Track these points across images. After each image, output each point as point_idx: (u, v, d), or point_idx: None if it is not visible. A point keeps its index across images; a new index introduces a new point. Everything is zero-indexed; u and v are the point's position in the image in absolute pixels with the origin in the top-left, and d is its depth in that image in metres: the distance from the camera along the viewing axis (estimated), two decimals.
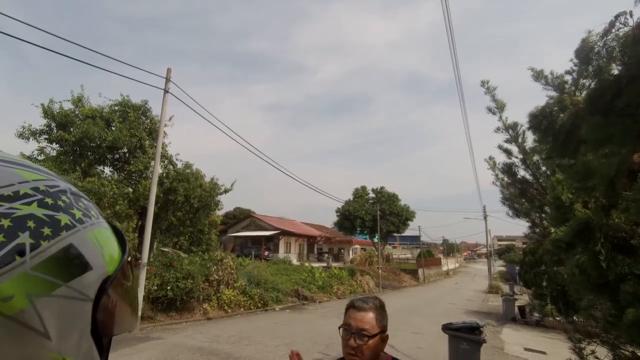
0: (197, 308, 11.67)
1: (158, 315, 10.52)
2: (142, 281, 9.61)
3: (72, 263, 0.43)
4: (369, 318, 1.30)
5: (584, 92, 3.16)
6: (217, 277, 12.73)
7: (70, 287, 0.42)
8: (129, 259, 0.57)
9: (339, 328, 1.34)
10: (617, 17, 2.01)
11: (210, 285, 12.42)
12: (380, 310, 1.35)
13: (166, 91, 10.75)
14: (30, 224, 0.41)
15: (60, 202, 0.46)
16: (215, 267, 12.90)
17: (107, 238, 0.51)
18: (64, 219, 0.45)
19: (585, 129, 2.16)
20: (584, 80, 3.68)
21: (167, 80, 10.75)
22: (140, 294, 9.50)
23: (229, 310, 12.43)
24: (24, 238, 0.39)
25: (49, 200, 0.45)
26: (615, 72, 2.17)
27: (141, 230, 11.31)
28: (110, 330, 0.49)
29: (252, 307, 13.27)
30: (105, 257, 0.48)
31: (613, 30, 2.07)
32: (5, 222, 0.39)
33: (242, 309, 12.92)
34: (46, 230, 0.42)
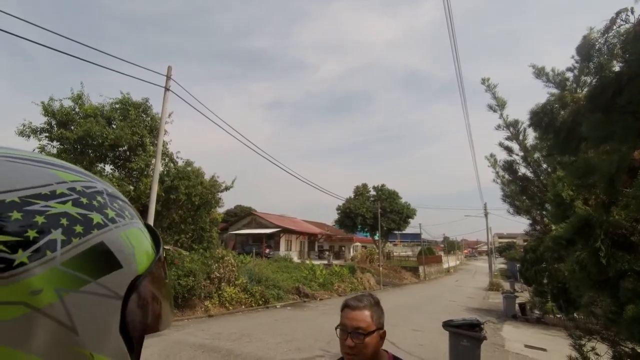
0: (198, 305, 11.73)
1: None
2: None
3: (102, 260, 0.44)
4: (364, 316, 1.28)
5: (585, 90, 3.16)
6: (218, 275, 12.77)
7: (99, 284, 0.43)
8: (164, 259, 0.57)
9: (336, 329, 1.33)
10: (618, 14, 2.00)
11: (211, 283, 12.47)
12: (376, 307, 1.34)
13: (167, 89, 10.75)
14: (64, 221, 0.42)
15: (95, 202, 0.48)
16: (216, 265, 12.94)
17: (139, 238, 0.52)
18: (96, 217, 0.46)
19: (586, 126, 2.16)
20: (585, 78, 3.67)
21: (168, 78, 10.75)
22: None
23: (230, 308, 12.48)
24: (57, 234, 0.41)
25: (84, 200, 0.46)
26: (617, 69, 2.17)
27: None
28: (140, 329, 0.50)
29: (253, 305, 13.32)
30: (136, 256, 0.49)
31: (614, 27, 2.06)
32: (40, 219, 0.41)
33: (243, 307, 12.98)
34: (78, 228, 0.43)
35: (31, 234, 0.39)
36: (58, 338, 0.39)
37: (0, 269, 0.36)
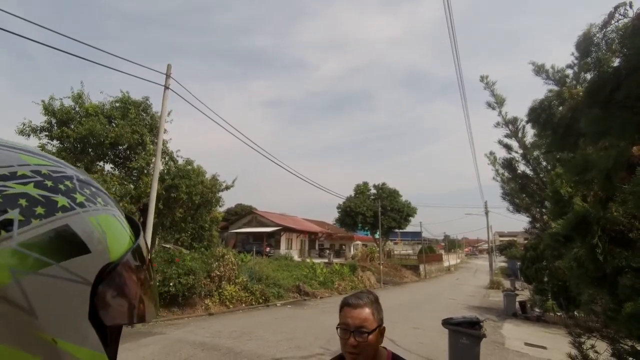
0: (199, 304, 11.75)
1: (160, 310, 10.59)
2: None
3: (66, 244, 0.42)
4: (365, 314, 1.28)
5: (584, 86, 3.13)
6: (218, 273, 12.79)
7: (63, 267, 0.41)
8: (147, 251, 0.56)
9: (337, 328, 1.32)
10: (616, 8, 1.98)
11: (212, 281, 12.48)
12: (376, 304, 1.33)
13: (166, 87, 10.74)
14: (22, 202, 0.41)
15: (61, 186, 0.46)
16: (216, 263, 12.95)
17: (112, 224, 0.50)
18: (61, 201, 0.45)
19: (584, 122, 2.15)
20: (585, 74, 3.65)
21: (168, 76, 10.73)
22: None
23: (231, 306, 12.50)
24: (13, 214, 0.39)
25: (49, 183, 0.45)
26: (615, 64, 2.15)
27: (143, 226, 11.31)
28: (115, 318, 0.47)
29: (253, 303, 13.34)
30: (108, 242, 0.48)
31: (612, 22, 2.04)
32: None
33: (243, 305, 12.99)
34: (39, 210, 0.42)
35: None
36: (14, 320, 0.37)
37: None
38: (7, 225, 0.39)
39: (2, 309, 0.37)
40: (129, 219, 0.56)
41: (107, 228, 0.49)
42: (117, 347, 0.53)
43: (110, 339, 0.48)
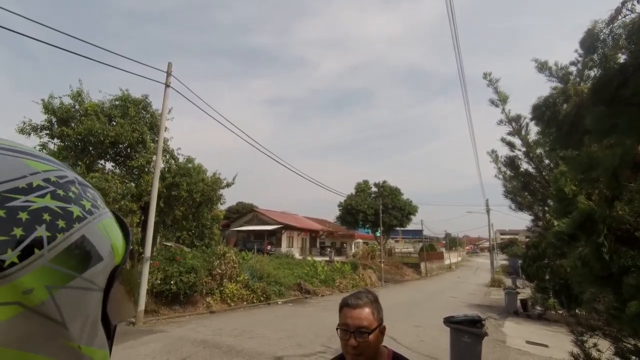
0: (200, 302, 11.77)
1: (162, 308, 10.62)
2: (145, 275, 9.67)
3: (85, 255, 0.44)
4: (365, 314, 1.27)
5: (589, 83, 3.10)
6: (220, 271, 12.81)
7: (84, 278, 0.43)
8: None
9: (337, 329, 1.31)
10: (623, 3, 1.95)
11: (213, 279, 12.50)
12: (375, 303, 1.33)
13: (167, 85, 10.71)
14: (46, 216, 0.42)
15: (70, 194, 0.47)
16: (218, 262, 12.97)
17: (113, 228, 0.52)
18: (75, 210, 0.46)
19: (589, 119, 2.12)
20: (589, 72, 3.61)
21: (168, 74, 10.70)
22: (144, 287, 9.58)
23: (232, 304, 12.53)
24: (42, 231, 0.40)
25: (61, 192, 0.46)
26: (621, 60, 2.11)
27: (144, 225, 11.36)
28: (118, 317, 0.51)
29: (254, 301, 13.36)
30: (112, 247, 0.50)
31: (619, 17, 2.01)
32: (23, 216, 0.40)
33: (245, 303, 13.02)
34: (61, 223, 0.43)
35: (17, 232, 0.38)
36: (50, 334, 0.40)
37: None
38: (38, 242, 0.40)
39: (42, 324, 0.39)
40: (117, 217, 0.57)
41: (111, 232, 0.51)
42: (112, 342, 0.56)
43: (111, 336, 0.52)
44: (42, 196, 0.43)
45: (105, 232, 0.49)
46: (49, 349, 0.40)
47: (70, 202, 0.46)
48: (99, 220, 0.49)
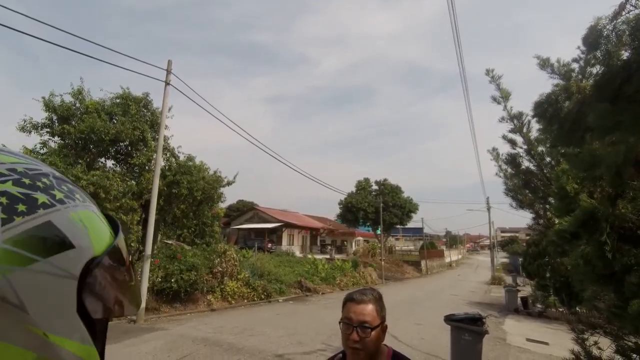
0: (201, 299, 11.79)
1: (162, 306, 10.64)
2: (146, 273, 9.69)
3: (50, 240, 0.43)
4: (369, 310, 1.28)
5: (591, 80, 3.07)
6: (220, 269, 12.82)
7: (50, 263, 0.42)
8: (126, 250, 0.57)
9: (340, 323, 1.33)
10: None
11: (214, 277, 12.52)
12: (379, 301, 1.34)
13: (167, 83, 10.68)
14: (3, 200, 0.42)
15: (39, 183, 0.47)
16: (218, 259, 12.98)
17: (93, 220, 0.51)
18: (41, 198, 0.45)
19: (592, 116, 2.10)
20: (591, 69, 3.58)
21: (168, 72, 10.67)
22: (145, 285, 9.59)
23: (233, 302, 12.55)
24: None
25: (26, 181, 0.45)
26: (625, 57, 2.09)
27: (145, 223, 11.37)
28: (101, 312, 0.49)
29: (255, 299, 13.39)
30: (90, 237, 0.49)
31: (623, 13, 1.98)
32: None
33: (245, 301, 13.04)
34: (21, 207, 0.42)
35: None
36: (6, 316, 0.38)
37: None
38: None
39: None
40: (108, 217, 0.57)
41: (89, 223, 0.50)
42: (104, 340, 0.55)
43: (98, 332, 0.50)
44: (2, 182, 0.43)
45: (80, 222, 0.48)
46: (7, 333, 0.38)
47: (36, 190, 0.45)
48: (73, 210, 0.48)
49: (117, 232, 0.56)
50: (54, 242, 0.43)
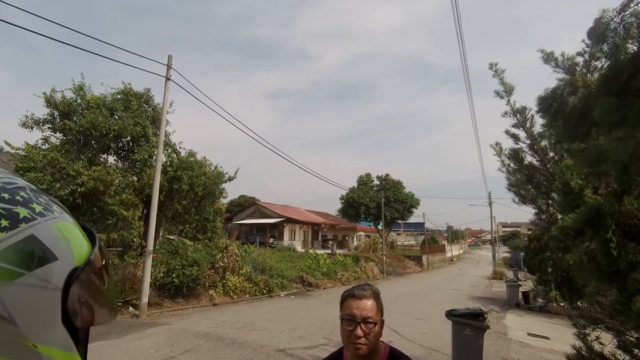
0: (203, 294, 11.86)
1: (165, 301, 10.71)
2: (148, 268, 9.74)
3: (34, 253, 0.44)
4: (371, 305, 1.31)
5: (597, 74, 3.02)
6: (222, 264, 12.88)
7: (34, 276, 0.43)
8: (104, 255, 0.58)
9: (341, 320, 1.33)
10: None
11: (215, 272, 12.58)
12: (378, 297, 1.37)
13: (168, 78, 10.64)
14: None
15: (18, 197, 0.47)
16: (220, 255, 13.03)
17: (72, 231, 0.52)
18: (22, 212, 0.46)
19: (598, 111, 2.06)
20: (596, 62, 3.52)
21: (169, 67, 10.63)
22: (147, 280, 9.65)
23: (235, 297, 12.62)
24: None
25: (6, 195, 0.46)
26: (633, 50, 2.05)
27: (147, 218, 11.40)
28: (84, 320, 0.50)
29: (257, 294, 13.46)
30: (72, 248, 0.50)
31: (632, 5, 1.94)
32: None
33: (247, 295, 13.11)
34: (3, 222, 0.43)
35: None
36: (1, 332, 0.39)
37: None
38: None
39: None
40: (83, 227, 0.58)
41: (68, 234, 0.51)
42: (87, 346, 0.56)
43: (80, 339, 0.51)
44: None
45: (60, 233, 0.49)
46: (3, 347, 0.39)
47: (17, 204, 0.46)
48: (53, 222, 0.49)
49: (94, 242, 0.57)
50: (38, 256, 0.44)
